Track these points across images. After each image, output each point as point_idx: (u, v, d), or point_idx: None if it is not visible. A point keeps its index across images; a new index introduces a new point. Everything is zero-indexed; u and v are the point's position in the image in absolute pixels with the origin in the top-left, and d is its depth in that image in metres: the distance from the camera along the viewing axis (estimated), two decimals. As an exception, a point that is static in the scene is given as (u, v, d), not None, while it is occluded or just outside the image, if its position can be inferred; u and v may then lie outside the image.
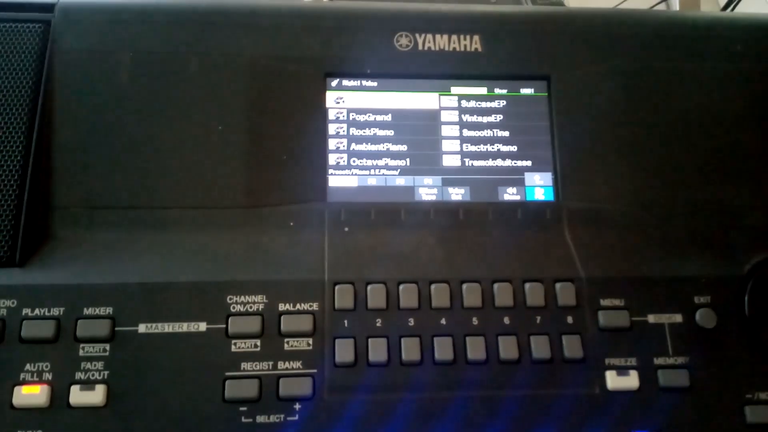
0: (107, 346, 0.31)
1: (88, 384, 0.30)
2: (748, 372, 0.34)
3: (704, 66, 0.40)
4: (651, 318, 0.34)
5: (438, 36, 0.39)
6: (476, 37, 0.39)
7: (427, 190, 0.37)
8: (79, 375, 0.30)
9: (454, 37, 0.39)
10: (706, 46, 0.40)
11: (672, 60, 0.40)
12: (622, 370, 0.33)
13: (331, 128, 0.37)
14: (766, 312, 0.35)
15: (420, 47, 0.38)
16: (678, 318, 0.34)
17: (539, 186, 0.38)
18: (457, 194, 0.37)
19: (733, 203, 0.38)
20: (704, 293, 0.35)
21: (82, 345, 0.31)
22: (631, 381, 0.33)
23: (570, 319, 0.33)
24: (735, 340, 0.34)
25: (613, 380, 0.33)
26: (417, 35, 0.38)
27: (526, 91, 0.39)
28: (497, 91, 0.39)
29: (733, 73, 0.40)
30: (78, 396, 0.30)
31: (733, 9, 0.73)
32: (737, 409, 0.33)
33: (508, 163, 0.38)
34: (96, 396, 0.30)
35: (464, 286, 0.34)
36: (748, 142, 0.39)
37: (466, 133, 0.38)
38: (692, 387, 0.33)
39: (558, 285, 0.34)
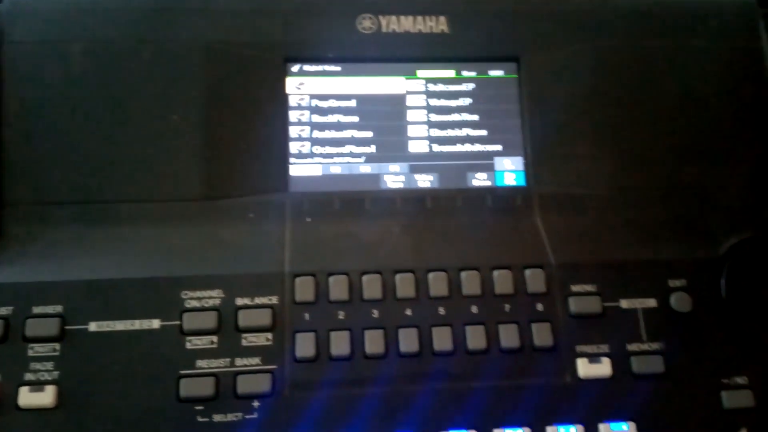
0: (57, 346, 0.30)
1: (37, 385, 0.29)
2: (724, 356, 0.33)
3: (677, 44, 0.39)
4: (623, 303, 0.33)
5: (402, 17, 0.37)
6: (442, 18, 0.37)
7: (394, 178, 0.36)
8: (28, 376, 0.29)
9: (420, 19, 0.37)
10: (678, 23, 0.39)
11: (644, 39, 0.38)
12: (593, 358, 0.32)
13: (293, 115, 0.36)
14: (742, 295, 0.34)
15: (384, 29, 0.37)
16: (652, 303, 0.33)
17: (509, 171, 0.37)
18: (424, 181, 0.36)
19: (708, 185, 0.37)
20: (679, 277, 0.34)
21: (30, 345, 0.29)
22: (603, 368, 0.32)
23: (540, 307, 0.32)
24: (711, 324, 0.33)
25: (584, 368, 0.32)
26: (380, 17, 0.37)
27: (495, 73, 0.38)
28: (465, 73, 0.38)
29: (708, 50, 0.39)
30: (27, 397, 0.29)
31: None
32: (714, 395, 0.32)
33: (477, 147, 0.37)
34: (46, 397, 0.29)
35: (430, 275, 0.32)
36: (724, 121, 0.38)
37: (434, 117, 0.37)
38: (667, 373, 0.32)
39: (527, 272, 0.33)
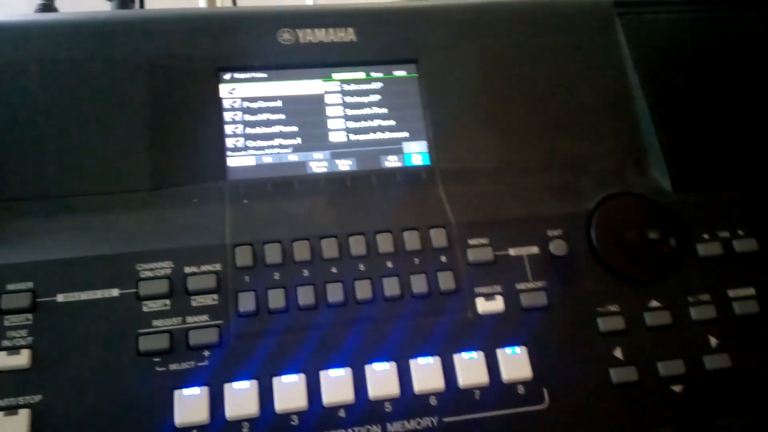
0: (30, 316, 0.34)
1: (14, 349, 0.33)
2: (597, 290, 0.39)
3: (549, 41, 0.46)
4: (512, 251, 0.39)
5: (316, 30, 0.44)
6: (350, 29, 0.44)
7: (318, 164, 0.42)
8: (5, 343, 0.33)
9: (331, 30, 0.44)
10: (549, 23, 0.47)
11: (522, 37, 0.46)
12: (489, 297, 0.38)
13: (227, 116, 0.42)
14: (609, 240, 0.41)
15: (301, 40, 0.44)
16: (535, 250, 0.40)
17: (416, 153, 0.43)
18: (344, 165, 0.42)
19: (579, 156, 0.44)
20: (556, 227, 0.40)
21: (6, 316, 0.34)
22: (497, 305, 0.38)
23: (443, 258, 0.39)
24: (584, 265, 0.40)
25: (482, 305, 0.38)
26: (298, 30, 0.44)
27: (399, 73, 0.45)
28: (373, 74, 0.45)
29: (574, 45, 0.47)
30: (5, 360, 0.33)
31: None
32: (591, 321, 0.39)
33: (387, 135, 0.44)
34: (22, 359, 0.33)
35: (351, 238, 0.38)
36: (589, 102, 0.45)
37: (349, 112, 0.44)
38: (550, 306, 0.38)
39: (432, 231, 0.39)
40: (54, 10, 0.51)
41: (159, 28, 0.42)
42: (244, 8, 0.45)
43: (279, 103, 0.43)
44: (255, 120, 0.42)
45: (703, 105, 0.46)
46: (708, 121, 0.45)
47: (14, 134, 0.39)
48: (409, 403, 0.35)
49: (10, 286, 0.34)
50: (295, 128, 0.43)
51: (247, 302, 0.36)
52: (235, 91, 0.43)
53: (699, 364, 0.39)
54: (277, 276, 0.37)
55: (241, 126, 0.42)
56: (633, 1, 0.49)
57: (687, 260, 0.41)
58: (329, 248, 0.38)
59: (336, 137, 0.43)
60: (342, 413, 0.35)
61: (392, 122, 0.44)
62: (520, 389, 0.36)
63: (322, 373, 0.35)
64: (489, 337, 0.37)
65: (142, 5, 0.56)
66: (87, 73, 0.40)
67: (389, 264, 0.38)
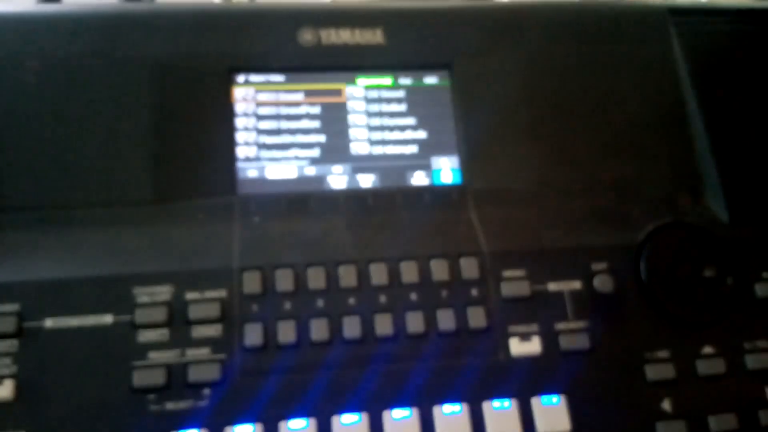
0: (15, 342, 0.31)
1: (-5, 380, 0.30)
2: (645, 332, 0.35)
3: (597, 50, 0.42)
4: (551, 286, 0.35)
5: (341, 30, 0.40)
6: (378, 30, 0.40)
7: (337, 178, 0.38)
8: (-15, 372, 0.30)
9: (357, 31, 0.40)
10: (596, 30, 0.43)
11: (568, 46, 0.42)
12: (524, 337, 0.34)
13: (239, 122, 0.38)
14: (660, 276, 0.37)
15: (323, 41, 0.40)
16: (576, 285, 0.36)
17: (446, 170, 0.39)
18: (366, 181, 0.39)
19: (628, 178, 0.40)
20: (601, 260, 0.36)
21: None
22: (533, 347, 0.34)
23: (474, 292, 0.35)
24: (632, 303, 0.36)
25: (516, 347, 0.34)
26: (320, 30, 0.40)
27: (430, 80, 0.41)
28: (402, 81, 0.41)
29: (626, 55, 0.42)
30: (-16, 392, 0.30)
31: None
32: (637, 368, 0.35)
33: (415, 149, 0.40)
34: (5, 390, 0.30)
35: (371, 265, 0.35)
36: (640, 120, 0.41)
37: (373, 121, 0.40)
38: (593, 349, 0.34)
39: (462, 260, 0.35)
40: (56, 0, 0.48)
41: (167, 24, 0.38)
42: (262, 4, 0.41)
43: (296, 110, 0.39)
44: (270, 128, 0.38)
45: (766, 128, 0.41)
46: (772, 146, 0.41)
47: (5, 135, 0.35)
48: (431, 457, 0.32)
49: (-7, 309, 0.31)
50: (313, 138, 0.39)
51: (253, 334, 0.32)
52: (249, 95, 0.39)
53: (754, 419, 0.35)
54: (288, 306, 0.33)
55: (254, 134, 0.38)
56: (691, 9, 0.44)
57: (744, 301, 0.37)
58: (347, 276, 0.34)
59: (358, 149, 0.39)
60: (355, 466, 0.31)
61: (420, 134, 0.40)
62: (558, 445, 0.32)
63: (335, 419, 0.31)
64: (523, 383, 0.33)
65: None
66: (88, 71, 0.37)
67: (413, 296, 0.34)
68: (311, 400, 0.32)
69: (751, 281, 0.37)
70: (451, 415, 0.32)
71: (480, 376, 0.33)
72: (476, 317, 0.34)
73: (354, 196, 0.38)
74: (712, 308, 0.36)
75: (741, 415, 0.35)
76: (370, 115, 0.40)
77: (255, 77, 0.39)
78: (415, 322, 0.34)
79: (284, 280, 0.34)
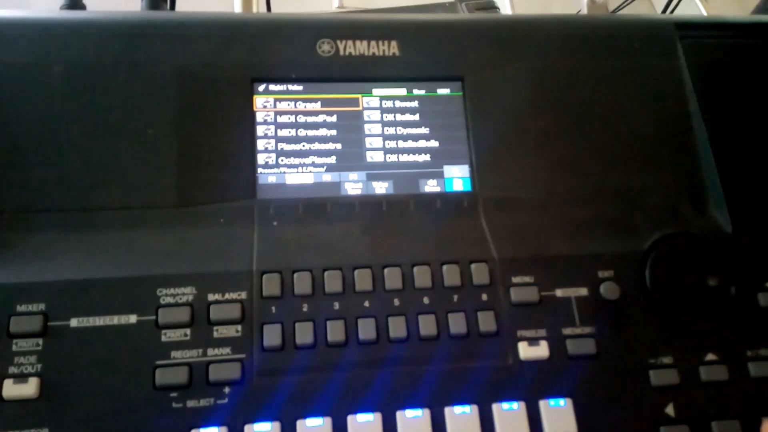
0: (40, 341, 0.32)
1: (21, 377, 0.31)
2: (650, 339, 0.36)
3: (605, 64, 0.43)
4: (558, 292, 0.37)
5: (358, 42, 0.41)
6: (393, 43, 0.42)
7: (353, 185, 0.40)
8: (12, 369, 0.31)
9: (373, 43, 0.41)
10: (606, 45, 0.44)
11: (576, 59, 0.43)
12: (533, 341, 0.35)
13: (259, 130, 0.39)
14: (665, 283, 0.38)
15: (341, 53, 0.41)
16: (583, 291, 0.37)
17: (457, 178, 0.41)
18: (381, 188, 0.40)
19: (633, 187, 0.41)
20: (607, 268, 0.37)
21: (15, 340, 0.32)
22: (541, 351, 0.35)
23: (484, 297, 0.36)
24: (637, 310, 0.37)
25: (525, 350, 0.35)
26: (338, 41, 0.41)
27: (443, 91, 0.42)
28: (416, 92, 0.42)
29: (633, 68, 0.43)
30: (11, 389, 0.31)
31: (672, 11, 0.79)
32: (642, 373, 0.36)
33: (428, 157, 0.41)
34: (29, 388, 0.31)
35: (386, 270, 0.36)
36: (646, 131, 0.42)
37: (388, 130, 0.41)
38: (599, 354, 0.35)
39: (473, 266, 0.36)
40: (82, 7, 0.49)
41: (191, 33, 0.39)
42: (283, 15, 0.43)
43: (314, 118, 0.40)
44: (289, 136, 0.40)
45: (770, 140, 0.42)
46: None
47: (33, 140, 0.36)
48: (442, 456, 0.33)
49: (20, 308, 0.32)
50: (330, 146, 0.40)
51: (272, 335, 0.34)
52: (269, 104, 0.40)
53: (757, 425, 0.36)
54: (305, 308, 0.34)
55: (273, 141, 0.39)
56: (697, 24, 0.45)
57: (747, 310, 0.38)
58: (362, 280, 0.35)
59: (373, 157, 0.40)
60: (369, 463, 0.32)
61: (433, 143, 0.41)
62: (564, 446, 0.33)
63: (350, 418, 0.32)
64: (531, 386, 0.34)
65: (172, 7, 0.54)
66: (112, 78, 0.38)
67: (426, 300, 0.35)
68: (327, 400, 0.33)
69: (754, 290, 0.38)
70: (461, 415, 0.33)
71: (489, 378, 0.34)
72: (486, 321, 0.35)
73: (369, 202, 0.39)
74: (715, 316, 0.37)
75: (744, 422, 0.35)
76: (384, 124, 0.41)
77: (275, 87, 0.40)
78: (427, 326, 0.35)
79: (302, 283, 0.35)
